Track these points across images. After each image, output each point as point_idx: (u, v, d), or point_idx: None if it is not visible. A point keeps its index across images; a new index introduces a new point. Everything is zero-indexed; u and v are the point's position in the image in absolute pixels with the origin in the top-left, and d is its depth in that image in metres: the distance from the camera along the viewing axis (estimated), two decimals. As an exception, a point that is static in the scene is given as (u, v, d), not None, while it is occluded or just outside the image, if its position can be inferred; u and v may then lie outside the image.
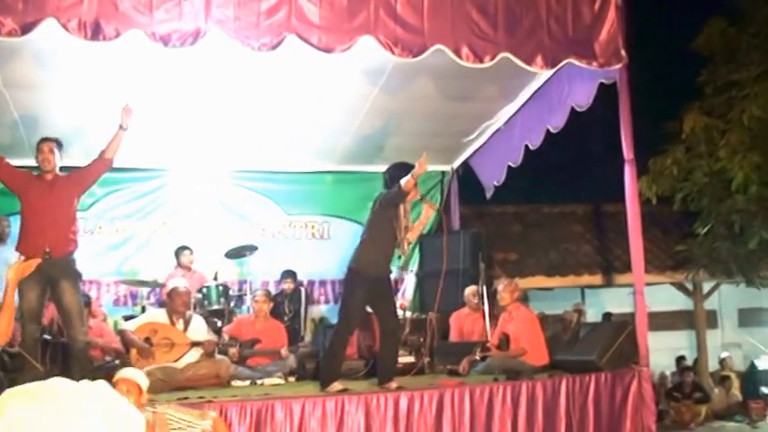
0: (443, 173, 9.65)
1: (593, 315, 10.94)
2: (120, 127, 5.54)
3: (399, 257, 6.32)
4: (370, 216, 5.61)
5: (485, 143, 8.50)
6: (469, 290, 7.57)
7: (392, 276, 5.77)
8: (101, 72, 6.11)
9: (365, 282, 5.39)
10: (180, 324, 6.29)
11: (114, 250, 8.62)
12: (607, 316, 10.87)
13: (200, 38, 4.94)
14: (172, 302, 6.34)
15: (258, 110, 7.17)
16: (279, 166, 8.99)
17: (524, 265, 10.79)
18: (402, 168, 5.39)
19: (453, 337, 7.53)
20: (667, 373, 11.47)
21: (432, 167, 9.09)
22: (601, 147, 12.26)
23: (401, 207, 5.47)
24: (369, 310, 5.82)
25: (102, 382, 2.22)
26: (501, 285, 6.85)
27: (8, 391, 2.09)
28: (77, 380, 2.22)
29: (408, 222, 5.51)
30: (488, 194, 8.82)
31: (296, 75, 6.35)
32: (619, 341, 5.86)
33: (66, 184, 5.48)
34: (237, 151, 8.42)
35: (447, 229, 6.57)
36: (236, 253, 8.31)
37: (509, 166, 8.03)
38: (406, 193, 5.29)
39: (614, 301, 11.39)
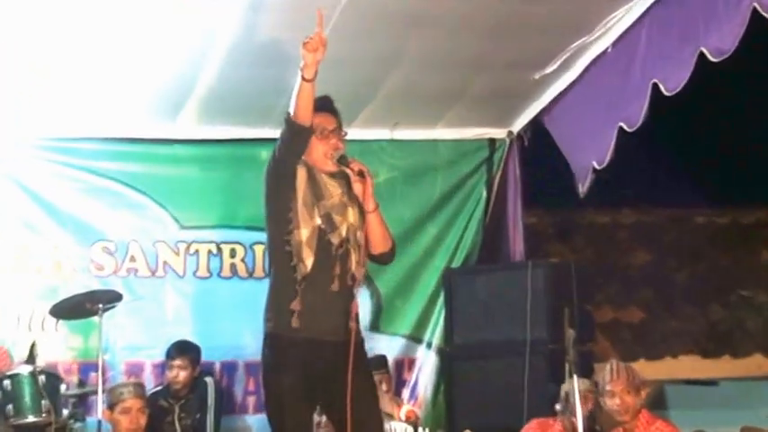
0: (493, 142, 9.87)
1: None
2: None
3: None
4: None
5: (573, 83, 8.48)
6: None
7: (356, 339, 5.67)
8: None
9: (295, 354, 5.44)
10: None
11: None
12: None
13: None
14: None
15: (112, 23, 7.14)
16: (163, 130, 9.23)
17: (657, 334, 10.89)
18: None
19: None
20: None
21: (474, 132, 9.99)
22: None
23: (299, 171, 5.54)
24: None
25: None
26: (610, 375, 6.92)
27: None
28: None
29: (335, 199, 5.58)
30: (582, 188, 8.68)
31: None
32: None
33: None
34: (73, 100, 8.50)
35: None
36: (77, 308, 8.08)
37: (621, 129, 7.76)
38: (301, 128, 5.38)
39: None
